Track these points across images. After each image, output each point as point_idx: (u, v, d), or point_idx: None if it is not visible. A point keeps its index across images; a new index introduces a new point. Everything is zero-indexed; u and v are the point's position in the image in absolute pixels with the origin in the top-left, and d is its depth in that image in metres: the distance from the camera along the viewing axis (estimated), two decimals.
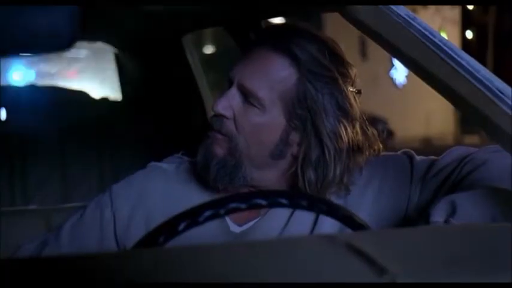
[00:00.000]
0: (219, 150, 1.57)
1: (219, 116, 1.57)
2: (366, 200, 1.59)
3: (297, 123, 1.55)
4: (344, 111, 1.54)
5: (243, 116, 1.55)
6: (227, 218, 1.59)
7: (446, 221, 1.35)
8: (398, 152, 1.67)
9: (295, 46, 1.55)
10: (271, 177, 1.60)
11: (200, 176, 1.62)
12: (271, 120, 1.55)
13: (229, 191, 1.56)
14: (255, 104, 1.55)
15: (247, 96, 1.55)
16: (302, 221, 1.57)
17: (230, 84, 1.58)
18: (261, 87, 1.54)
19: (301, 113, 1.54)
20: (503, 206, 1.35)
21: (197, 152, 1.61)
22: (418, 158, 1.63)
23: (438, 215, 1.35)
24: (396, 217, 1.58)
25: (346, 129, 1.54)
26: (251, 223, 1.59)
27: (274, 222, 1.58)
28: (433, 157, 1.63)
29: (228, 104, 1.56)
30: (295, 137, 1.56)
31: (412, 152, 1.66)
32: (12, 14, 0.88)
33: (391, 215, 1.58)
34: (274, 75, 1.55)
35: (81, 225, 1.63)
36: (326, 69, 1.55)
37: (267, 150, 1.57)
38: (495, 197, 1.37)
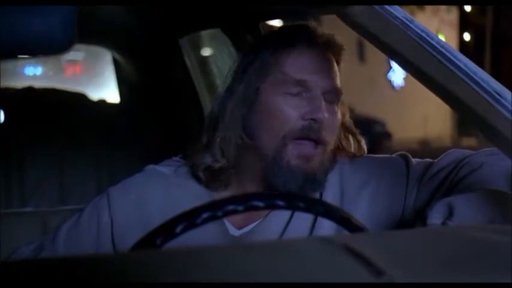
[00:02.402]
0: (317, 164, 1.57)
1: (321, 124, 1.56)
2: (362, 202, 1.59)
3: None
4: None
5: (329, 117, 1.57)
6: (226, 222, 1.59)
7: (443, 223, 1.36)
8: (394, 155, 1.68)
9: (337, 45, 1.65)
10: None
11: (189, 177, 1.63)
12: (339, 116, 1.61)
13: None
14: (334, 101, 1.60)
15: (333, 96, 1.59)
16: (301, 224, 1.57)
17: (307, 90, 1.57)
18: (338, 84, 1.61)
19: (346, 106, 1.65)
20: (501, 208, 1.36)
21: (273, 175, 1.56)
22: (413, 160, 1.64)
23: (435, 217, 1.35)
24: (392, 219, 1.58)
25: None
26: (250, 226, 1.59)
27: (274, 225, 1.58)
28: (429, 160, 1.63)
29: (324, 108, 1.57)
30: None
31: (408, 154, 1.66)
32: (9, 15, 0.88)
33: (387, 217, 1.58)
34: (336, 72, 1.62)
35: (78, 229, 1.63)
36: None
37: (333, 146, 1.62)
38: (492, 199, 1.37)
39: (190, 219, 1.12)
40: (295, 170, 1.55)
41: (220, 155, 1.60)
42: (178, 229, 1.11)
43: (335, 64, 1.63)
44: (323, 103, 1.56)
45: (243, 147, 1.59)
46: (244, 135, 1.59)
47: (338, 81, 1.61)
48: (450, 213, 1.35)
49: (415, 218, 1.53)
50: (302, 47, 1.61)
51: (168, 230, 1.11)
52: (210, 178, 1.62)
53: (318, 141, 1.56)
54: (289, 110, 1.56)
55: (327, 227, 1.53)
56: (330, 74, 1.60)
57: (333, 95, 1.59)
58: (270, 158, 1.57)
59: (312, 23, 1.67)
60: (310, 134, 1.55)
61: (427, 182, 1.57)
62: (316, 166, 1.57)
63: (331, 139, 1.59)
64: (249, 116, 1.59)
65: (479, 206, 1.35)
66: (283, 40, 1.63)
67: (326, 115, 1.56)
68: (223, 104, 1.61)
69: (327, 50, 1.62)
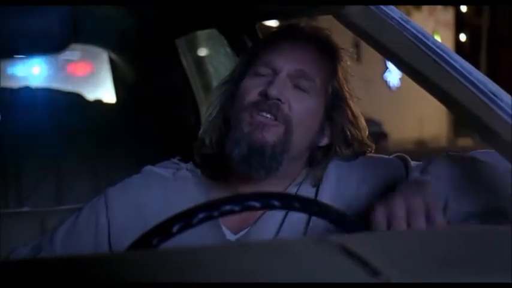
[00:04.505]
0: (270, 137, 1.55)
1: (274, 100, 1.56)
2: (358, 202, 1.59)
3: (331, 112, 1.63)
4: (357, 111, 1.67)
5: (295, 100, 1.57)
6: (223, 226, 1.59)
7: (422, 171, 1.50)
8: (392, 156, 1.68)
9: (334, 44, 1.66)
10: (292, 169, 1.62)
11: (187, 178, 1.63)
12: (316, 107, 1.61)
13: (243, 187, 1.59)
14: (305, 88, 1.59)
15: (300, 80, 1.59)
16: (295, 225, 1.57)
17: (274, 72, 1.59)
18: (313, 72, 1.60)
19: (336, 103, 1.63)
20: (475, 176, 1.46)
21: (227, 142, 1.57)
22: (413, 162, 1.63)
23: (415, 171, 1.51)
24: None
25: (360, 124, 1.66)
26: (246, 230, 1.59)
27: (269, 226, 1.58)
28: None
29: (282, 88, 1.57)
30: (327, 125, 1.63)
31: (407, 156, 1.66)
32: (6, 15, 0.88)
33: None
34: (323, 61, 1.63)
35: (76, 230, 1.62)
36: (349, 68, 1.68)
37: (309, 138, 1.61)
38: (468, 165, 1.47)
39: (186, 219, 1.12)
40: (244, 137, 1.55)
41: (209, 142, 1.64)
42: (175, 229, 1.11)
43: (322, 59, 1.64)
44: (281, 83, 1.57)
45: (223, 133, 1.62)
46: (223, 121, 1.63)
47: (315, 72, 1.61)
48: (427, 164, 1.52)
49: None
50: (286, 39, 1.65)
51: (164, 230, 1.11)
52: (203, 166, 1.66)
53: (275, 117, 1.56)
54: (252, 87, 1.59)
55: (321, 228, 1.53)
56: (302, 60, 1.61)
57: (302, 81, 1.59)
58: (232, 130, 1.58)
59: (310, 23, 1.69)
60: (265, 108, 1.56)
61: None
62: (269, 140, 1.55)
63: (298, 123, 1.57)
64: (229, 102, 1.64)
65: (447, 161, 1.51)
66: (274, 35, 1.69)
67: (286, 95, 1.56)
68: (214, 97, 1.69)
69: (316, 47, 1.64)
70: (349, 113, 1.63)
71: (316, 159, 1.64)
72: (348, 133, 1.62)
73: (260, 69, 1.61)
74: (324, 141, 1.63)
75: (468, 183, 1.46)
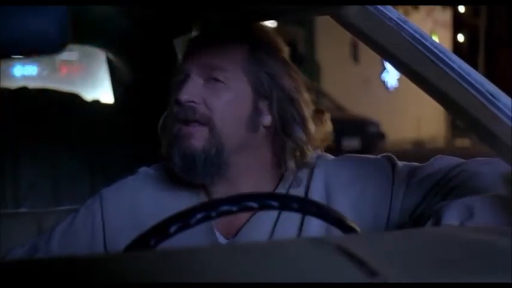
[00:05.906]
0: (197, 143, 1.55)
1: (188, 104, 1.56)
2: (346, 202, 1.58)
3: (263, 91, 1.59)
4: (297, 83, 1.62)
5: (212, 95, 1.56)
6: (216, 231, 1.59)
7: (462, 224, 1.32)
8: (379, 156, 1.67)
9: (244, 23, 1.67)
10: (250, 157, 1.60)
11: (182, 179, 1.62)
12: (239, 92, 1.58)
13: (218, 188, 1.58)
14: (220, 79, 1.57)
15: (211, 73, 1.57)
16: (289, 226, 1.56)
17: (186, 76, 1.59)
18: (222, 59, 1.59)
19: (265, 81, 1.59)
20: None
21: (170, 157, 1.58)
22: (400, 163, 1.63)
23: (453, 216, 1.32)
24: (378, 220, 1.57)
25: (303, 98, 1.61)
26: (239, 233, 1.59)
27: (262, 227, 1.57)
28: (415, 163, 1.62)
29: (193, 89, 1.56)
30: (263, 105, 1.59)
31: (393, 156, 1.65)
32: (3, 15, 0.88)
33: (372, 219, 1.57)
34: (231, 47, 1.61)
35: (72, 231, 1.63)
36: (275, 43, 1.65)
37: (243, 124, 1.58)
38: (506, 202, 1.33)
39: (184, 219, 1.12)
40: (175, 150, 1.57)
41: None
42: (172, 229, 1.11)
43: (233, 45, 1.62)
44: (191, 85, 1.56)
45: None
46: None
47: (225, 60, 1.59)
48: (469, 214, 1.32)
49: (402, 220, 1.54)
50: (193, 42, 1.68)
51: (162, 230, 1.11)
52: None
53: (192, 121, 1.56)
54: (173, 97, 1.60)
55: (315, 230, 1.53)
56: (207, 54, 1.60)
57: (213, 73, 1.57)
58: (169, 145, 1.60)
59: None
60: (182, 116, 1.57)
61: (416, 185, 1.56)
62: (197, 146, 1.55)
63: (222, 117, 1.56)
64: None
65: (495, 209, 1.32)
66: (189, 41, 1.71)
67: (198, 94, 1.56)
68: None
69: (224, 35, 1.64)
70: (286, 86, 1.60)
71: (284, 146, 1.60)
72: (288, 108, 1.59)
73: (179, 77, 1.61)
74: (267, 120, 1.60)
75: None
